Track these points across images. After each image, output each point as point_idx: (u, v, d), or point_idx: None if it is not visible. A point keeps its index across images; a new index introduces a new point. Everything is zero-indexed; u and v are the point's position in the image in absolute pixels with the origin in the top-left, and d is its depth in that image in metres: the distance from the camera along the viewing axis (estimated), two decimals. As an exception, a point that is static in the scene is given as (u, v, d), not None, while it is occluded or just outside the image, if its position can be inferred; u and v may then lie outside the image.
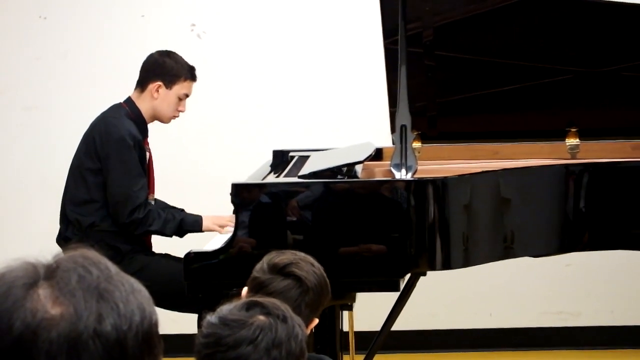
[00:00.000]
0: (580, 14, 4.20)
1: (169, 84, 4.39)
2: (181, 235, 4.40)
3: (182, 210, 4.56)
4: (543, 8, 4.18)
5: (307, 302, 2.69)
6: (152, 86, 4.39)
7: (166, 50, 4.48)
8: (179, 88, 4.41)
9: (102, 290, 1.11)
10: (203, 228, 4.38)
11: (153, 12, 5.56)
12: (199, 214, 4.49)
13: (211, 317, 2.00)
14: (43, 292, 1.10)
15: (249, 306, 2.00)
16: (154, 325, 1.14)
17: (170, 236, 4.39)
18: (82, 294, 1.10)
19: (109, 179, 4.30)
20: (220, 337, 1.96)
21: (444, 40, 4.25)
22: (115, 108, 4.43)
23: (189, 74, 4.43)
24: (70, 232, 4.37)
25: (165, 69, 4.40)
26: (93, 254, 1.16)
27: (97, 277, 1.12)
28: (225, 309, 2.01)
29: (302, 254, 2.81)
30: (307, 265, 2.75)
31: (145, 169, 4.38)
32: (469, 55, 4.31)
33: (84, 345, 1.08)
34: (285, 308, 2.00)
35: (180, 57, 4.46)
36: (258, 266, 2.75)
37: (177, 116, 4.47)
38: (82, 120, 4.51)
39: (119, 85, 4.63)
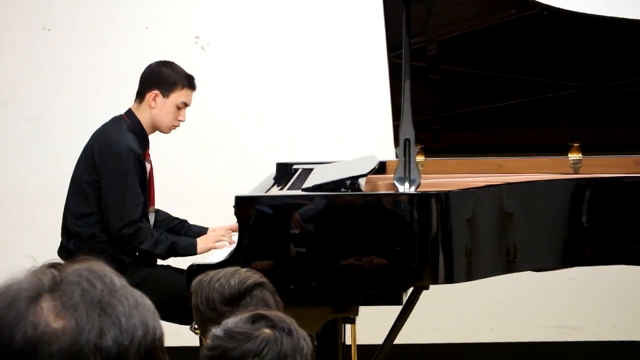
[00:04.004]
0: (584, 29, 4.20)
1: (165, 92, 4.36)
2: (175, 256, 4.36)
3: (185, 221, 4.55)
4: (547, 23, 4.19)
5: (272, 291, 2.67)
6: (150, 95, 4.37)
7: (165, 60, 4.45)
8: (176, 96, 4.38)
9: (105, 305, 1.11)
10: (198, 251, 4.31)
11: (157, 24, 5.57)
12: (202, 225, 4.48)
13: (216, 330, 2.00)
14: (46, 306, 1.10)
15: (255, 319, 2.00)
16: (157, 340, 1.14)
17: (163, 258, 4.35)
18: (85, 307, 1.10)
19: (106, 192, 4.27)
20: (226, 349, 1.96)
21: (448, 54, 4.26)
22: (116, 120, 4.41)
23: (187, 82, 4.39)
24: (72, 244, 4.35)
25: (161, 78, 4.38)
26: (99, 267, 1.15)
27: (101, 291, 1.12)
28: (231, 321, 2.01)
29: (215, 272, 2.75)
30: (243, 271, 2.71)
31: (145, 183, 4.37)
32: (473, 70, 4.31)
33: (84, 359, 1.08)
34: (291, 321, 2.00)
35: (179, 67, 4.43)
36: (207, 315, 2.64)
37: (177, 126, 4.43)
38: (86, 131, 4.50)
39: (123, 97, 4.63)
